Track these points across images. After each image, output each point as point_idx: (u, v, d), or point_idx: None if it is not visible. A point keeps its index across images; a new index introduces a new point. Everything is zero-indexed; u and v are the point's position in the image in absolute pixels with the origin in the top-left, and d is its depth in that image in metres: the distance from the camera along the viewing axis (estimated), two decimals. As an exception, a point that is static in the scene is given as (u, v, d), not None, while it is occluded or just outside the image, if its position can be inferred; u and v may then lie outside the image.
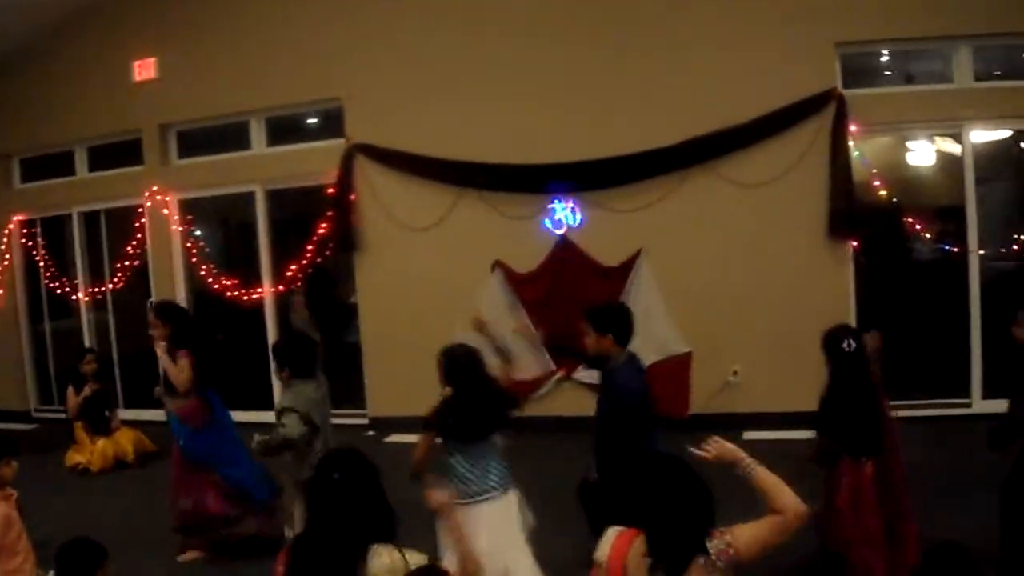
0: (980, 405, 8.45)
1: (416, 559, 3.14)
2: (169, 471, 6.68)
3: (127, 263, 10.84)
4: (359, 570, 3.04)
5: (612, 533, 3.22)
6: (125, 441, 9.16)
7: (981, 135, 8.75)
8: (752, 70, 8.63)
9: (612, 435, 5.11)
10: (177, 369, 6.18)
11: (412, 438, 5.23)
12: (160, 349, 6.19)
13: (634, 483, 3.16)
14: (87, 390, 9.16)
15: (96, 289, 11.27)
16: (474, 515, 4.62)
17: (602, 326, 5.14)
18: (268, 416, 6.01)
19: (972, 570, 3.02)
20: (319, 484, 3.22)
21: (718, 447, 3.25)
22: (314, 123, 10.49)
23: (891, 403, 7.13)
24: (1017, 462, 4.94)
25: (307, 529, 3.22)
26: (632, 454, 3.23)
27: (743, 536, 3.04)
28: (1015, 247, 8.59)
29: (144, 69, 10.62)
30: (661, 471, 3.15)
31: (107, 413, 9.35)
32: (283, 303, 10.24)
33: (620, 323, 5.31)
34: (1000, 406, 8.27)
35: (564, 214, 9.09)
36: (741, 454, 3.20)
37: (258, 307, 10.35)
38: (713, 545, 3.01)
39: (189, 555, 6.41)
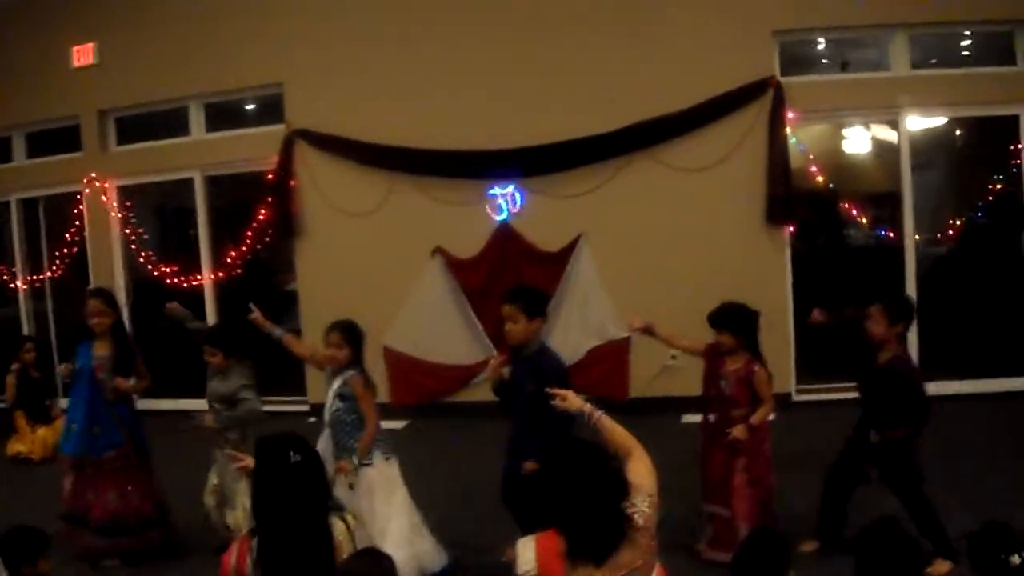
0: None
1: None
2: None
3: (65, 250, 10.67)
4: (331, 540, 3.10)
5: (529, 542, 3.06)
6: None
7: (917, 122, 8.86)
8: (691, 58, 8.68)
9: (544, 419, 5.08)
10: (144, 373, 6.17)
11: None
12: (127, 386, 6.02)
13: (549, 479, 3.06)
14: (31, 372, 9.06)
15: (34, 277, 11.08)
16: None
17: (533, 310, 5.12)
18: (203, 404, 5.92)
19: (908, 543, 3.03)
20: (277, 466, 3.12)
21: (566, 402, 3.39)
22: (254, 109, 10.38)
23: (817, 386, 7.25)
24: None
25: (268, 512, 3.11)
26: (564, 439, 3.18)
27: (637, 477, 3.02)
28: (950, 233, 8.69)
29: (82, 55, 10.43)
30: (572, 462, 3.02)
31: (47, 402, 9.19)
32: (223, 290, 10.20)
33: (546, 306, 5.34)
34: (935, 388, 8.43)
35: (504, 200, 9.06)
36: (588, 406, 3.35)
37: (198, 294, 10.21)
38: (633, 514, 2.94)
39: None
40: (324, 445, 5.31)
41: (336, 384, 5.35)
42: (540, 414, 5.05)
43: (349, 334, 5.37)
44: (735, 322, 5.34)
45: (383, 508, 5.29)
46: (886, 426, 5.08)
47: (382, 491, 5.32)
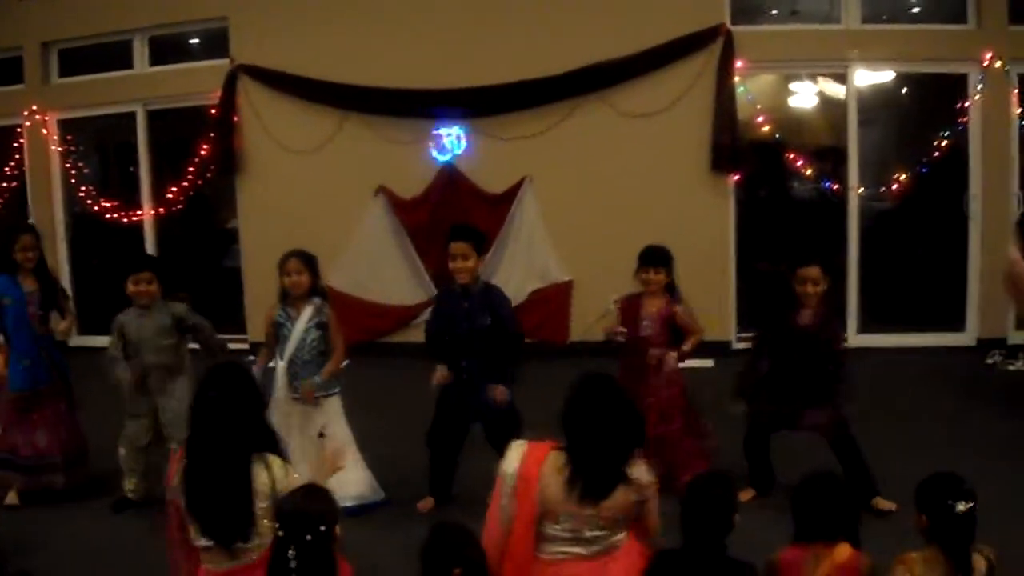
0: (855, 339, 8.60)
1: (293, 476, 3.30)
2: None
3: (4, 184, 10.44)
4: (250, 477, 3.16)
5: (521, 446, 3.23)
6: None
7: (865, 77, 8.86)
8: (642, 3, 8.64)
9: (506, 344, 5.20)
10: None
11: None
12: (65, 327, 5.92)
13: (569, 398, 3.18)
14: None
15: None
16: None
17: (480, 248, 5.26)
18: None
19: (844, 495, 3.11)
20: (198, 401, 3.29)
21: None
22: (198, 43, 10.17)
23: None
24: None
25: (191, 445, 3.26)
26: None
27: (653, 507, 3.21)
28: (894, 187, 8.71)
29: (27, -15, 10.20)
30: (595, 388, 3.17)
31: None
32: (163, 226, 10.05)
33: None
34: (874, 341, 8.56)
35: (450, 140, 8.97)
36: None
37: (138, 230, 10.06)
38: (634, 475, 3.10)
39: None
40: (282, 383, 5.23)
41: (307, 314, 5.27)
42: (496, 346, 5.14)
43: (308, 261, 5.31)
44: (670, 262, 5.46)
45: (341, 432, 5.37)
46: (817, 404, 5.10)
47: (337, 417, 5.39)
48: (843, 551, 2.91)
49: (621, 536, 3.16)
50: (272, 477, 3.18)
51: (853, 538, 2.97)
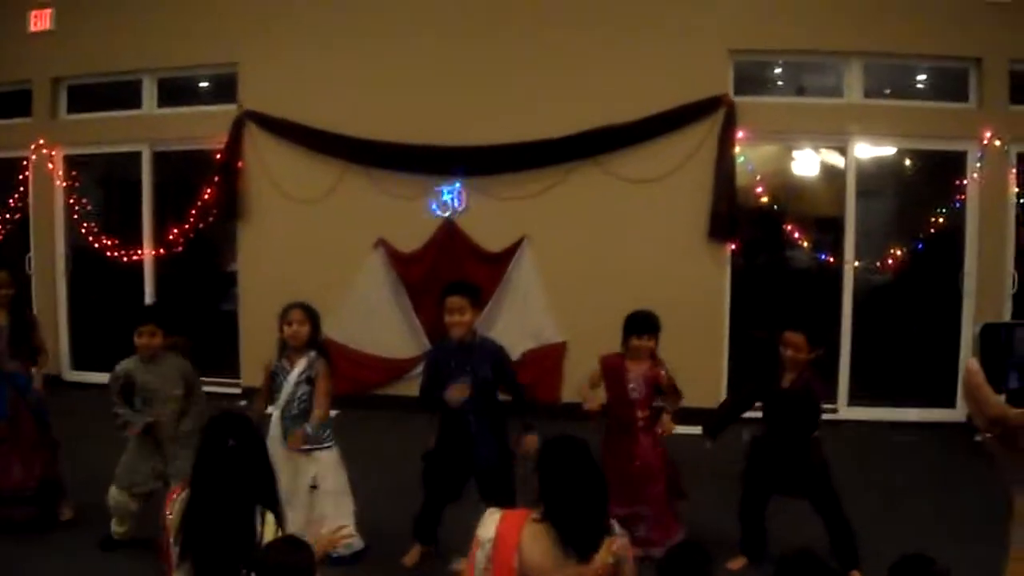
0: (846, 411, 8.66)
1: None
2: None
3: (8, 216, 10.50)
4: (254, 526, 3.24)
5: (494, 514, 3.31)
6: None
7: (866, 150, 8.94)
8: (645, 70, 8.71)
9: (515, 392, 5.39)
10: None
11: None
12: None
13: (546, 467, 3.26)
14: None
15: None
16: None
17: (476, 302, 5.31)
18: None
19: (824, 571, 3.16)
20: (211, 448, 3.35)
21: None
22: (207, 87, 10.26)
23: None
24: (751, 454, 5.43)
25: (198, 490, 3.32)
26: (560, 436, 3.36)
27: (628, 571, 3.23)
28: (889, 261, 8.77)
29: (40, 20, 10.28)
30: (568, 455, 3.25)
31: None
32: (162, 266, 10.09)
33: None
34: (863, 414, 8.58)
35: (450, 197, 9.03)
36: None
37: (137, 269, 10.11)
38: (615, 533, 3.20)
39: None
40: (275, 432, 5.30)
41: (300, 367, 5.33)
42: (495, 399, 5.26)
43: (310, 313, 5.40)
44: (658, 329, 5.57)
45: (336, 484, 5.43)
46: (797, 443, 5.16)
47: (332, 469, 5.42)
48: None
49: None
50: (274, 533, 3.25)
51: None
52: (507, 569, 3.14)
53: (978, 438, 1.18)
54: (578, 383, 8.42)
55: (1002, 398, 1.17)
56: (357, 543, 5.51)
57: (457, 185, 9.01)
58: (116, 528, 5.58)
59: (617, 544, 3.16)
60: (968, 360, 1.16)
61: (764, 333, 5.70)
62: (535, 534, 3.15)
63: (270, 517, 3.31)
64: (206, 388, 5.81)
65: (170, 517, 3.29)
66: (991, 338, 1.15)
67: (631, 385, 5.50)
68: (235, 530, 3.20)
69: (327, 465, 5.41)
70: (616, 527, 3.23)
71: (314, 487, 5.32)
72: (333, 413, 5.56)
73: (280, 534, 3.28)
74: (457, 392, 5.09)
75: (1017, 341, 1.15)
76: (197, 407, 5.61)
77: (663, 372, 5.47)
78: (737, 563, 5.31)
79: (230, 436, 3.29)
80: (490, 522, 3.26)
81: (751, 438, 5.48)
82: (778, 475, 5.22)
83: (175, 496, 3.34)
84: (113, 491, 5.52)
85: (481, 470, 5.24)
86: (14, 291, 5.97)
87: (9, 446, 5.79)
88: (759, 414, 5.46)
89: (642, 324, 5.54)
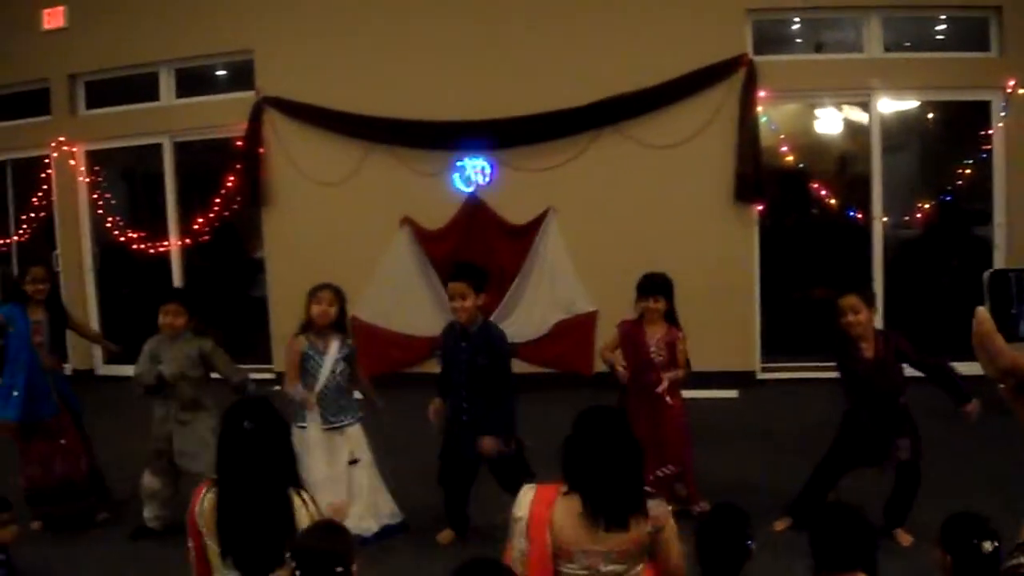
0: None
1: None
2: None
3: (33, 215, 10.56)
4: (289, 509, 3.21)
5: (529, 491, 3.27)
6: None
7: (889, 105, 8.86)
8: (664, 34, 8.66)
9: (499, 388, 5.20)
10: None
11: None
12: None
13: (577, 438, 3.21)
14: None
15: (1, 241, 10.95)
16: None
17: (480, 286, 5.22)
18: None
19: (861, 523, 3.08)
20: (229, 434, 3.31)
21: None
22: (224, 75, 10.27)
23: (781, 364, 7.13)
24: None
25: (225, 481, 3.29)
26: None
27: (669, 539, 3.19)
28: (918, 215, 8.71)
29: (53, 18, 10.29)
30: (598, 422, 3.22)
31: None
32: (190, 256, 10.13)
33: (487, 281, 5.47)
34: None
35: (474, 172, 9.02)
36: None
37: (164, 260, 10.15)
38: (651, 504, 3.15)
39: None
40: (313, 414, 5.31)
41: (335, 347, 5.36)
42: (493, 387, 5.15)
43: (339, 294, 5.43)
44: (669, 290, 5.53)
45: (365, 457, 5.48)
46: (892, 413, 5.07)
47: (361, 443, 5.47)
48: None
49: (638, 570, 3.18)
50: (309, 513, 3.23)
51: (871, 569, 2.92)
52: (541, 543, 3.13)
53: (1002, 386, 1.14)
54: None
55: (1014, 347, 1.12)
56: (395, 517, 5.57)
57: (481, 159, 8.99)
58: (148, 515, 5.61)
59: (654, 513, 3.13)
60: (978, 309, 1.11)
61: (825, 291, 5.54)
62: (567, 508, 3.14)
63: (299, 500, 3.28)
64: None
65: (202, 515, 3.26)
66: (1000, 286, 1.11)
67: (652, 348, 5.46)
68: (270, 516, 3.17)
69: (359, 439, 5.46)
70: (654, 503, 3.18)
71: (354, 461, 5.38)
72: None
73: (313, 513, 3.28)
74: (432, 412, 5.33)
75: None
76: (228, 370, 5.58)
77: (681, 335, 5.48)
78: (782, 524, 5.26)
79: (245, 419, 3.25)
80: (524, 500, 3.24)
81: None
82: (872, 448, 5.07)
83: (201, 494, 3.31)
84: (145, 475, 5.58)
85: (488, 457, 5.23)
86: (50, 286, 5.94)
87: (53, 443, 5.80)
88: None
89: (650, 286, 5.51)
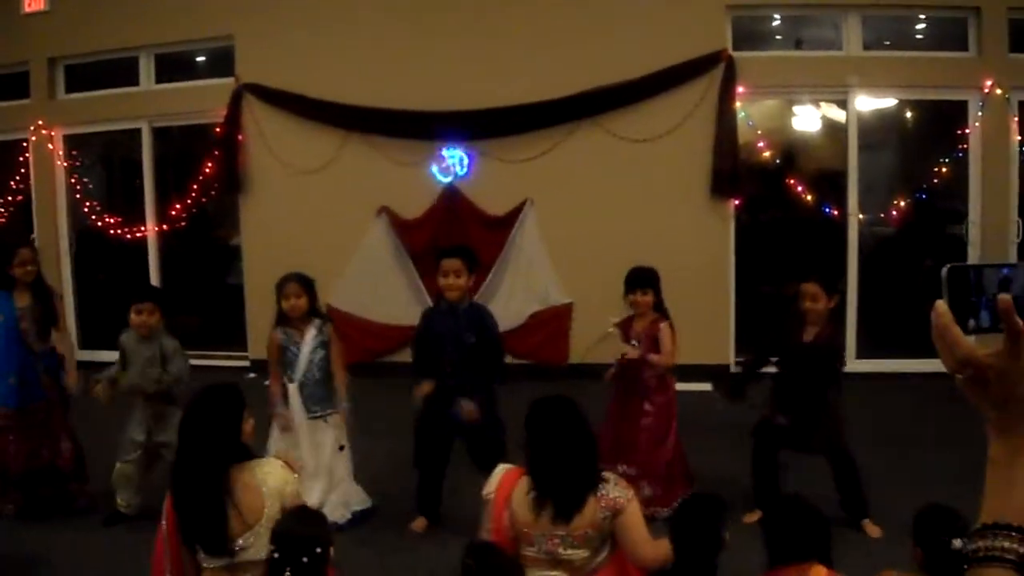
0: (854, 364, 8.56)
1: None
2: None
3: (10, 198, 10.50)
4: (225, 486, 3.20)
5: (500, 470, 3.35)
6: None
7: (867, 103, 8.91)
8: (644, 28, 8.67)
9: (489, 367, 5.28)
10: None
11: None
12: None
13: (527, 426, 3.28)
14: None
15: (-23, 224, 10.89)
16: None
17: (472, 266, 5.31)
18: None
19: (813, 516, 3.10)
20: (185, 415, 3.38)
21: None
22: (204, 61, 10.23)
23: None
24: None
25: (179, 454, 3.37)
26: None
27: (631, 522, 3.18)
28: (893, 213, 8.76)
29: (34, 1, 10.26)
30: (549, 411, 3.27)
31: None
32: (166, 242, 10.09)
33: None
34: (872, 366, 8.57)
35: (452, 162, 9.01)
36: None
37: (141, 246, 10.11)
38: (602, 491, 3.16)
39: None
40: (296, 404, 5.36)
41: (311, 335, 5.38)
42: (480, 364, 5.18)
43: (306, 284, 5.43)
44: (656, 282, 5.58)
45: (335, 450, 5.48)
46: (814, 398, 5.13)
47: (342, 431, 5.50)
48: (817, 573, 2.89)
49: (603, 556, 3.20)
50: (284, 477, 3.28)
51: (826, 559, 2.95)
52: (499, 524, 3.18)
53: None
54: (585, 344, 8.52)
55: (971, 339, 1.14)
56: (366, 502, 5.62)
57: (459, 150, 8.98)
58: (120, 502, 5.60)
59: (611, 496, 3.13)
60: (936, 302, 1.14)
61: (771, 288, 5.67)
62: (524, 488, 3.17)
63: (272, 464, 3.33)
64: (214, 362, 5.81)
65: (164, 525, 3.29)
66: (959, 279, 1.14)
67: (633, 341, 5.51)
68: (209, 488, 3.19)
69: (341, 427, 5.47)
70: (611, 480, 3.20)
71: (342, 447, 5.45)
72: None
73: (288, 474, 3.33)
74: (422, 391, 5.25)
75: (986, 281, 1.14)
76: (173, 372, 5.50)
77: (661, 325, 5.48)
78: (753, 516, 5.27)
79: (195, 403, 3.34)
80: (494, 480, 3.30)
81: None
82: (791, 430, 5.19)
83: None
84: (118, 463, 5.58)
85: (465, 432, 5.26)
86: (37, 269, 5.82)
87: (41, 428, 5.76)
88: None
89: (637, 279, 5.57)
